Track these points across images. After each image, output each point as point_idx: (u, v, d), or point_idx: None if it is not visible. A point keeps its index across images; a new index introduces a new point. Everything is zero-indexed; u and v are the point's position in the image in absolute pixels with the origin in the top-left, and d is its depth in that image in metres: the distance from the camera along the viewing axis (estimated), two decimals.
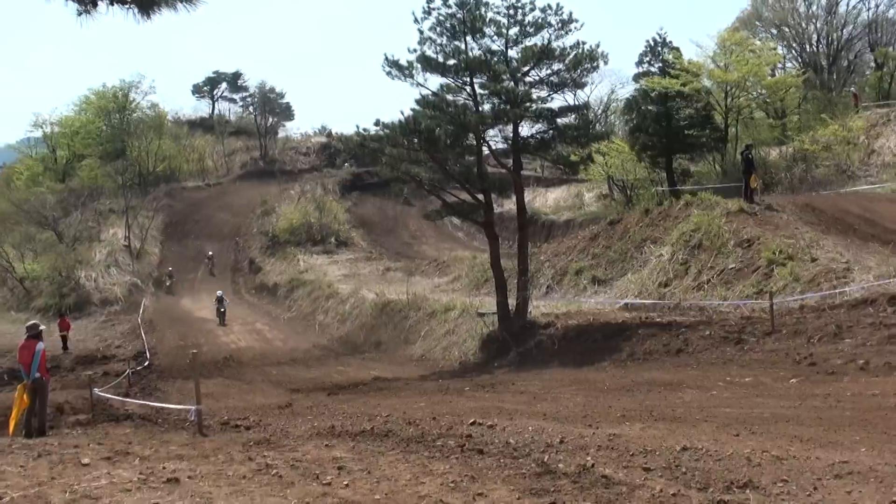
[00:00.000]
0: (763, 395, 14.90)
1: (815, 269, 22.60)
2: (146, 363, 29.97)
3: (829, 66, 62.28)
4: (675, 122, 43.84)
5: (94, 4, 9.78)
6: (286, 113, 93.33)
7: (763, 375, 16.95)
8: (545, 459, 8.98)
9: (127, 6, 9.86)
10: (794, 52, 63.47)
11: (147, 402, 19.18)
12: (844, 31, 62.89)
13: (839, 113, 46.09)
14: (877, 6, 62.57)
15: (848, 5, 62.43)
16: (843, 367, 16.47)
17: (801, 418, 12.18)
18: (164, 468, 9.25)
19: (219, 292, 41.54)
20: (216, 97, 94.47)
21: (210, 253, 53.37)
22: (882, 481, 7.61)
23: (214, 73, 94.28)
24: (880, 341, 17.34)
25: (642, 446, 9.78)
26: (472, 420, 12.64)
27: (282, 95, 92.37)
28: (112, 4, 9.83)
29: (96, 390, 20.53)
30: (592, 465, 8.58)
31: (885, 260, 22.17)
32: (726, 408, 13.72)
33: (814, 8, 62.76)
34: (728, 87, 44.73)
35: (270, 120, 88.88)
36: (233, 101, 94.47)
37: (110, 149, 69.79)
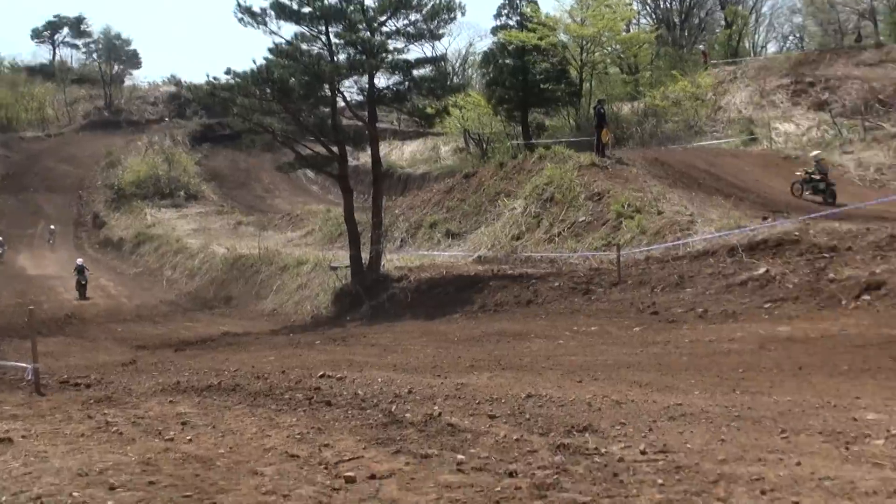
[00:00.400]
0: (607, 343, 15.41)
1: (661, 221, 23.29)
2: None
3: (682, 24, 64.14)
4: (531, 76, 44.31)
5: None
6: (133, 60, 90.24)
7: (608, 324, 17.50)
8: (392, 410, 9.09)
9: None
10: (648, 7, 65.14)
11: None
12: None
13: (689, 70, 47.48)
14: None
15: None
16: (684, 316, 17.17)
17: (642, 364, 12.68)
18: None
19: (79, 260, 36.13)
20: (57, 43, 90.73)
21: (52, 227, 50.16)
22: (712, 422, 8.02)
23: (55, 16, 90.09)
24: (718, 290, 18.13)
25: (489, 394, 10.01)
26: (321, 373, 12.66)
27: (128, 42, 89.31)
28: None
29: None
30: (439, 414, 8.73)
31: (726, 213, 23.03)
32: (572, 356, 14.14)
33: None
34: (584, 42, 45.39)
35: (116, 67, 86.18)
36: (75, 46, 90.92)
37: None
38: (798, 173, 27.42)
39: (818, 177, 26.73)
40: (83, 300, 33.60)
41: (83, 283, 34.93)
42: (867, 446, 6.76)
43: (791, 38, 67.28)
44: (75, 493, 6.27)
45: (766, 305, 16.80)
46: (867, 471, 6.07)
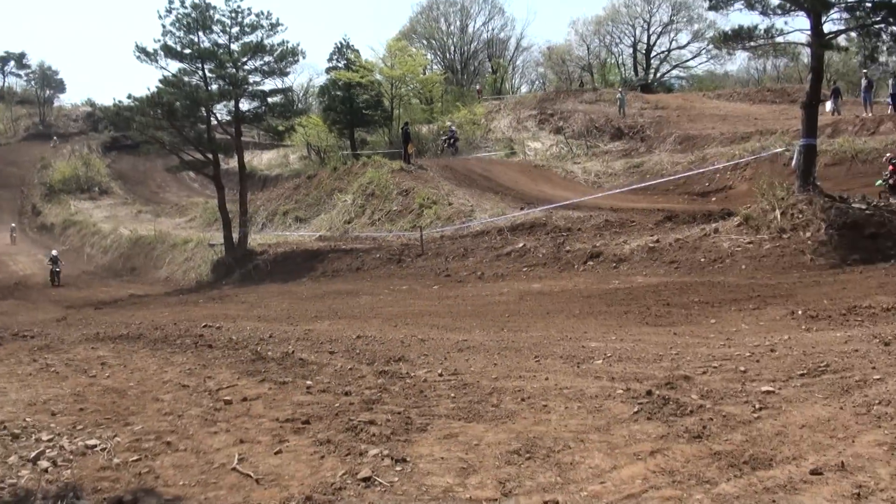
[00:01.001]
0: (414, 298, 15.56)
1: (451, 210, 23.67)
2: None
3: (462, 69, 64.95)
4: (355, 104, 44.02)
5: None
6: (60, 87, 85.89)
7: (415, 284, 17.68)
8: (258, 349, 8.88)
9: None
10: (438, 57, 65.50)
11: None
12: (472, 45, 65.88)
13: (468, 102, 48.15)
14: (493, 30, 66.06)
15: (474, 28, 65.39)
16: (467, 277, 17.54)
17: (439, 312, 12.87)
18: None
19: (54, 251, 31.58)
20: (6, 72, 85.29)
21: (13, 225, 45.75)
22: (488, 351, 8.24)
23: (5, 52, 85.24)
24: (491, 259, 18.61)
25: (329, 337, 9.93)
26: (204, 324, 12.22)
27: (57, 73, 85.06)
28: None
29: None
30: (293, 352, 8.59)
31: (496, 204, 23.64)
32: (389, 307, 14.20)
33: (451, 28, 65.18)
34: (393, 81, 45.29)
35: (48, 92, 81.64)
36: (19, 76, 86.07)
37: None
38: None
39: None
40: (57, 286, 28.28)
41: (57, 270, 29.16)
42: (591, 365, 7.07)
43: (537, 82, 69.42)
44: (28, 419, 6.16)
45: (524, 269, 17.36)
46: (591, 382, 6.36)
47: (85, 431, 5.73)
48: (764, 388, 5.66)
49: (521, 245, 18.67)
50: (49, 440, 5.51)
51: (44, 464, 4.99)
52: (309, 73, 75.72)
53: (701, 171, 25.66)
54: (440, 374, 6.95)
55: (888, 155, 18.27)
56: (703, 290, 12.54)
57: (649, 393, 5.73)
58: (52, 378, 8.00)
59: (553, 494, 3.96)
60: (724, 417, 5.02)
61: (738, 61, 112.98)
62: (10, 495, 4.48)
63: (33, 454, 5.17)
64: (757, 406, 5.20)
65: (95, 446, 5.32)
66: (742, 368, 6.41)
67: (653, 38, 60.86)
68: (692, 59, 60.92)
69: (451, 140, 31.45)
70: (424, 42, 64.21)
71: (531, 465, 4.43)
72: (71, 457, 5.13)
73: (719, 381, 6.02)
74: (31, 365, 8.93)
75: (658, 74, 61.54)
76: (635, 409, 5.37)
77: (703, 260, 15.07)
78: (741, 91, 46.35)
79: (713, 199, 23.57)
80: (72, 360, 9.15)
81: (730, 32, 17.03)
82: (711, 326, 9.68)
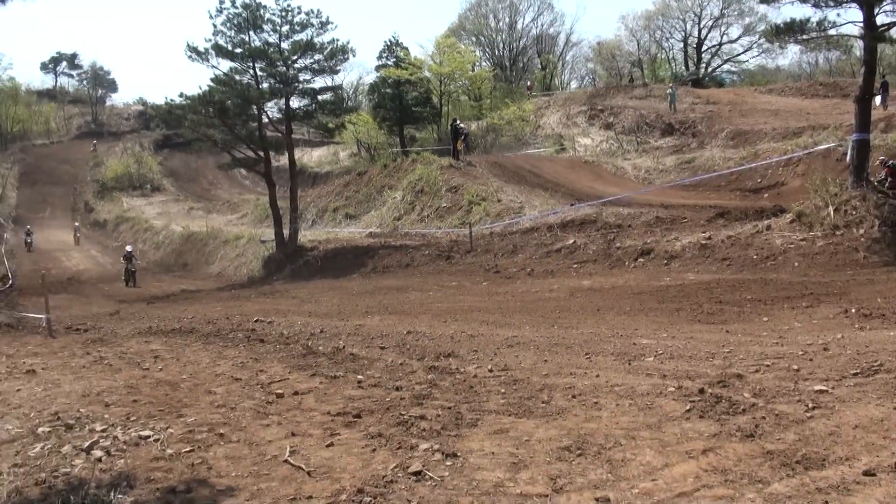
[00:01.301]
0: (464, 294, 15.57)
1: (500, 206, 23.58)
2: (9, 283, 27.28)
3: (511, 66, 64.70)
4: (405, 101, 44.28)
5: None
6: (112, 86, 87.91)
7: (464, 280, 17.68)
8: (309, 344, 9.00)
9: None
10: (487, 54, 65.36)
11: (11, 313, 17.62)
12: (521, 41, 65.53)
13: (517, 98, 47.90)
14: (542, 25, 65.64)
15: (523, 24, 65.05)
16: (517, 274, 17.48)
17: (489, 308, 12.85)
18: (24, 363, 8.79)
19: (128, 248, 29.11)
20: (59, 73, 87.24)
21: (77, 224, 46.22)
22: (538, 347, 8.21)
23: (57, 53, 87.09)
24: (541, 256, 18.51)
25: (379, 332, 10.00)
26: (255, 318, 12.43)
27: (109, 73, 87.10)
28: None
29: None
30: (343, 347, 8.68)
31: (545, 201, 23.48)
32: (439, 303, 14.23)
33: (500, 24, 64.94)
34: (442, 78, 45.42)
35: (100, 91, 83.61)
36: (71, 76, 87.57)
37: None
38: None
39: None
40: (133, 287, 26.01)
41: (132, 270, 26.67)
42: (642, 363, 7.00)
43: (586, 78, 68.78)
44: (81, 410, 6.24)
45: (574, 266, 17.24)
46: (643, 379, 6.31)
47: (138, 422, 5.79)
48: (817, 388, 5.55)
49: (570, 241, 18.54)
50: (102, 430, 5.58)
51: (97, 453, 5.04)
52: (358, 71, 76.19)
53: (752, 166, 25.12)
54: (490, 370, 6.95)
55: (882, 158, 17.20)
56: (755, 287, 12.32)
57: (701, 391, 5.66)
58: (105, 370, 8.13)
59: (604, 491, 3.94)
60: (776, 416, 4.93)
61: (789, 55, 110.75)
62: (64, 484, 4.54)
63: (87, 444, 5.22)
64: (810, 405, 5.11)
65: (149, 437, 5.37)
66: (795, 367, 6.29)
67: (703, 32, 59.75)
68: (743, 52, 59.61)
69: (462, 136, 30.81)
70: (473, 39, 64.09)
71: (582, 461, 4.41)
72: (124, 447, 5.18)
73: (772, 380, 5.91)
74: (85, 357, 9.08)
75: (709, 69, 60.40)
76: (687, 407, 5.30)
77: (755, 257, 14.79)
78: (793, 86, 45.12)
79: (765, 195, 23.05)
80: (125, 353, 9.31)
81: (781, 26, 16.62)
82: (764, 324, 9.51)
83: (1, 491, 4.45)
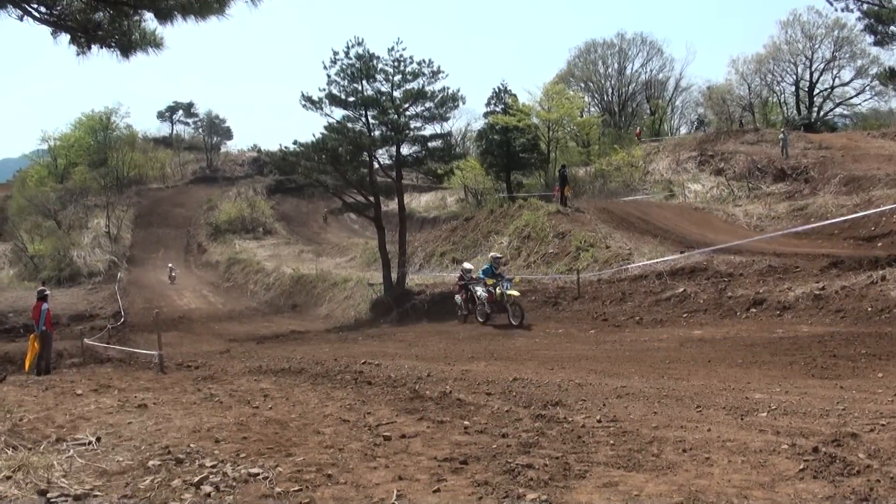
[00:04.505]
0: (571, 342, 15.35)
1: (609, 253, 23.25)
2: (122, 320, 28.88)
3: (620, 111, 64.23)
4: (512, 147, 44.44)
5: (89, 47, 9.70)
6: (227, 134, 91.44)
7: (571, 328, 17.45)
8: (416, 388, 9.06)
9: (111, 49, 9.74)
10: (595, 100, 65.20)
11: (123, 349, 18.59)
12: (630, 87, 65.03)
13: (626, 144, 47.56)
14: (651, 71, 65.02)
15: (632, 69, 64.64)
16: (625, 322, 17.12)
17: (596, 357, 12.62)
18: (135, 397, 9.07)
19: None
20: (175, 121, 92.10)
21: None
22: (648, 398, 8.00)
23: (174, 102, 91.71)
24: (650, 304, 18.08)
25: (486, 378, 9.97)
26: (363, 360, 12.64)
27: (224, 121, 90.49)
28: (101, 48, 9.73)
29: (86, 340, 19.81)
30: (450, 392, 8.70)
31: (654, 248, 22.98)
32: (545, 350, 14.09)
33: (609, 70, 64.72)
34: (550, 124, 45.56)
35: (214, 139, 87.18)
36: (187, 124, 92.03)
37: (96, 158, 67.56)
38: None
39: None
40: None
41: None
42: (755, 417, 6.71)
43: (696, 122, 67.43)
44: (192, 445, 6.34)
45: (684, 315, 16.76)
46: (756, 435, 6.04)
47: (248, 460, 5.83)
48: None
49: (680, 290, 18.05)
50: (212, 466, 5.62)
51: (207, 489, 5.05)
52: (467, 118, 77.45)
53: (866, 213, 23.87)
54: (598, 421, 6.80)
55: None
56: (869, 341, 11.62)
57: (815, 450, 5.36)
58: (215, 407, 8.28)
59: None
60: (891, 479, 4.62)
61: None
62: None
63: (196, 479, 5.25)
64: None
65: (258, 475, 5.39)
66: None
67: (815, 75, 57.42)
68: (856, 95, 56.94)
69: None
70: (582, 85, 64.13)
71: None
72: (234, 483, 5.21)
73: (887, 440, 5.55)
74: (196, 394, 9.29)
75: (821, 113, 58.05)
76: (801, 467, 5.03)
77: (869, 309, 13.95)
78: None
79: (879, 244, 21.83)
80: (235, 390, 9.48)
81: (895, 68, 15.91)
82: (879, 381, 8.94)
83: None
